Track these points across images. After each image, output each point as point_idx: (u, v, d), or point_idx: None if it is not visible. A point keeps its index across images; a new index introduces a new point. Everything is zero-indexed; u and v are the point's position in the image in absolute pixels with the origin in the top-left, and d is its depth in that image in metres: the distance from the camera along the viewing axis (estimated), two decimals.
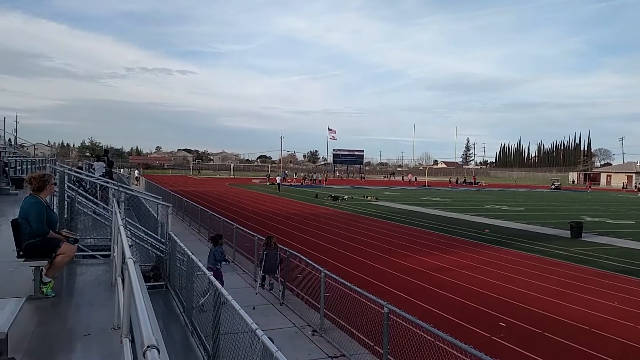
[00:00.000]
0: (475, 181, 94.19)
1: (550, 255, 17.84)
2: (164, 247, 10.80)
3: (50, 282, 5.77)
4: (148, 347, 1.85)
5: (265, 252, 11.31)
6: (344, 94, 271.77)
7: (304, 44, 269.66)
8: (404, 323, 7.65)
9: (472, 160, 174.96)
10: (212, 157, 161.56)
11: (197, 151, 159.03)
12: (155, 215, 11.61)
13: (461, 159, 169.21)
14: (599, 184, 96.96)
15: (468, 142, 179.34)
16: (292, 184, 73.44)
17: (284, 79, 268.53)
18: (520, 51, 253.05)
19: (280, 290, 11.05)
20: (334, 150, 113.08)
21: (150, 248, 10.76)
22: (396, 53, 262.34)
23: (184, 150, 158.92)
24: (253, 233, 14.25)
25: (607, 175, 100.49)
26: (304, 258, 10.89)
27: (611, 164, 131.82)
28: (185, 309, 8.83)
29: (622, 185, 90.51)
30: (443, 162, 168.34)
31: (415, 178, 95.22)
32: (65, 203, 10.46)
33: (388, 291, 12.19)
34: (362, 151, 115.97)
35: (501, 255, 17.72)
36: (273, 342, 3.98)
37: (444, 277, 14.03)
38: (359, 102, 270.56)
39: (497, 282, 13.54)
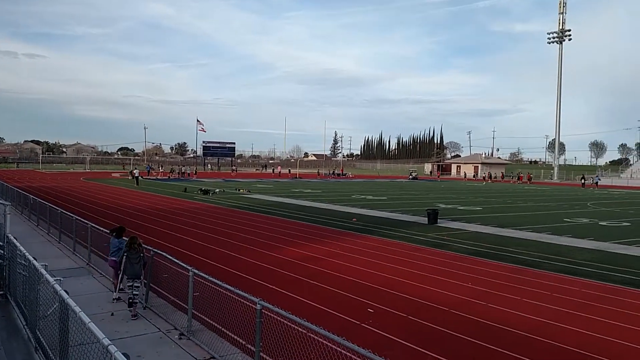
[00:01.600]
0: (342, 173, 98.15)
1: (410, 241, 19.03)
2: (2, 251, 9.38)
3: None
4: None
5: (125, 255, 10.07)
6: (213, 84, 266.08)
7: (171, 31, 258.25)
8: (277, 317, 7.45)
9: (340, 152, 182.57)
10: (65, 150, 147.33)
11: (47, 143, 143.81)
12: None
13: (330, 152, 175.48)
14: (450, 174, 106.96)
15: (336, 135, 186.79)
16: (159, 177, 69.78)
17: (147, 66, 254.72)
18: (382, 50, 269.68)
19: (143, 295, 10.13)
20: (203, 142, 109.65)
21: None
22: (266, 46, 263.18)
23: (32, 141, 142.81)
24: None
25: (457, 166, 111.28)
26: (170, 257, 10.15)
27: (460, 156, 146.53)
28: (28, 321, 7.70)
29: (464, 174, 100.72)
30: (313, 154, 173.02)
31: (289, 170, 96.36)
32: None
33: (259, 285, 11.94)
34: (234, 143, 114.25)
35: (367, 242, 18.47)
36: (129, 358, 3.46)
37: (315, 266, 14.18)
38: (230, 93, 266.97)
39: (364, 268, 14.03)
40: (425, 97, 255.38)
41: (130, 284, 9.86)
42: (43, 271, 6.37)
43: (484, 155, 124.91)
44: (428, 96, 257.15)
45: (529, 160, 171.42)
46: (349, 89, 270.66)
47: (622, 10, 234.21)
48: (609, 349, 8.42)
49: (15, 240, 8.43)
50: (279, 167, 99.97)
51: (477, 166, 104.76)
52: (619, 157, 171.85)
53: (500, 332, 9.17)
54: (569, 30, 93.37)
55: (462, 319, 9.87)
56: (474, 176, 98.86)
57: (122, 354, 3.47)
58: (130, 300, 9.90)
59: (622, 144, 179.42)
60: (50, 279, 5.83)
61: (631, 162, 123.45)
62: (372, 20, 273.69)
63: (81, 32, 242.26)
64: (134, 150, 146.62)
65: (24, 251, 7.75)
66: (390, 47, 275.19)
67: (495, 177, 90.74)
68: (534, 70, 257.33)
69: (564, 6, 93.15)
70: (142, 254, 10.05)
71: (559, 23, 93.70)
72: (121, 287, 10.50)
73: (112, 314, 9.53)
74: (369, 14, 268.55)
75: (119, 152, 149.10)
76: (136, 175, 53.97)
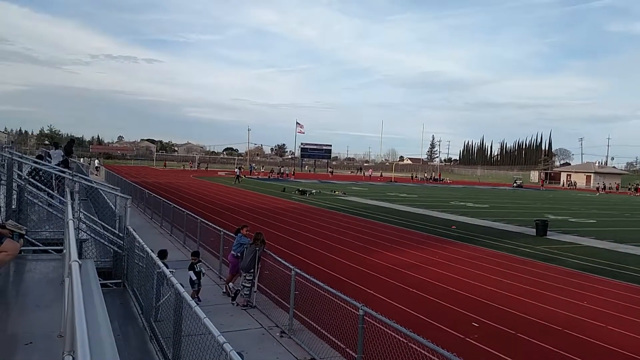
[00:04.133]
0: (440, 178, 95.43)
1: (517, 253, 17.91)
2: (122, 242, 10.13)
3: None
4: None
5: (246, 248, 10.69)
6: (313, 88, 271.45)
7: (275, 37, 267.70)
8: (378, 325, 7.29)
9: (437, 157, 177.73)
10: (176, 148, 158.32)
11: (160, 142, 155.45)
12: (113, 208, 10.88)
13: (426, 156, 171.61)
14: (559, 183, 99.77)
15: (433, 139, 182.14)
16: (260, 177, 72.58)
17: (253, 71, 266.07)
18: (487, 52, 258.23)
19: (247, 293, 10.45)
20: (301, 144, 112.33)
21: (107, 243, 10.07)
22: (366, 50, 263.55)
23: (147, 140, 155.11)
24: (219, 228, 13.63)
25: (567, 175, 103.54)
26: (274, 255, 10.39)
27: (570, 164, 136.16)
28: (143, 310, 8.22)
29: (574, 184, 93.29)
30: (409, 158, 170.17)
31: (381, 173, 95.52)
32: (14, 193, 9.66)
33: (357, 288, 11.84)
34: (330, 146, 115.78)
35: (469, 252, 17.67)
36: (242, 358, 3.50)
37: (414, 274, 13.80)
38: (328, 97, 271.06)
39: (467, 279, 13.39)
40: (533, 101, 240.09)
41: (244, 275, 10.32)
42: (160, 263, 6.75)
43: (597, 164, 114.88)
44: (536, 100, 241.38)
45: None
46: (451, 92, 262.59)
47: None
48: None
49: (134, 233, 9.07)
50: (370, 170, 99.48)
51: (590, 175, 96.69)
52: None
53: (617, 356, 8.25)
54: None
55: (576, 340, 9.04)
56: (597, 188, 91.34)
57: (237, 353, 3.51)
58: (237, 290, 10.34)
59: None
60: (167, 272, 6.15)
61: None
62: (479, 21, 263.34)
63: (193, 39, 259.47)
64: (237, 150, 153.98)
65: (142, 243, 8.30)
66: (497, 49, 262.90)
67: (610, 188, 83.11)
68: None
69: None
70: (257, 249, 10.41)
71: None
72: (232, 284, 10.96)
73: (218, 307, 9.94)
74: (475, 15, 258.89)
75: (224, 152, 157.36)
76: (237, 174, 56.54)
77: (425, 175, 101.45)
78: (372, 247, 17.80)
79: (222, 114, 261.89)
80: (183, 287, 5.62)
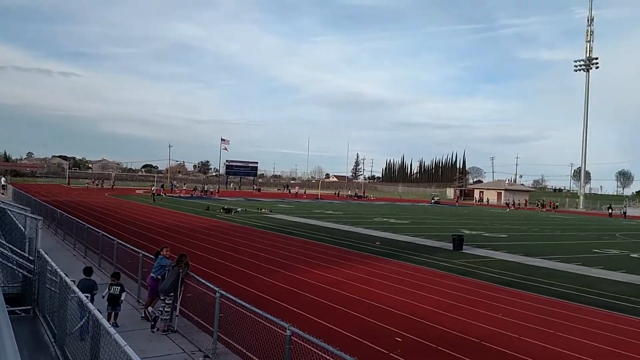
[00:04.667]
0: (364, 195, 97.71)
1: (436, 267, 18.64)
2: (32, 266, 9.42)
3: None
4: None
5: (168, 271, 10.18)
6: (239, 105, 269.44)
7: (200, 52, 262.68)
8: (306, 344, 7.25)
9: (362, 174, 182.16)
10: (90, 165, 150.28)
11: (73, 158, 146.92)
12: (23, 229, 10.11)
13: (351, 173, 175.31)
14: (473, 200, 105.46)
15: (358, 157, 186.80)
16: (182, 195, 70.44)
17: (175, 86, 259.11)
18: (408, 74, 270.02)
19: (167, 318, 9.98)
20: (227, 161, 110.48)
21: (15, 267, 9.31)
22: (293, 68, 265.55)
23: (59, 157, 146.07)
24: (137, 249, 13.01)
25: (480, 192, 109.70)
26: (197, 277, 10.07)
27: (482, 181, 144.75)
28: (56, 337, 7.65)
29: (487, 200, 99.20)
30: (335, 175, 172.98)
31: (305, 191, 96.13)
32: None
33: (284, 308, 11.75)
34: (257, 163, 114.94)
35: (392, 267, 18.15)
36: None
37: (340, 291, 13.93)
38: (254, 113, 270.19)
39: (391, 294, 13.72)
40: (449, 122, 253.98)
41: (163, 298, 9.85)
42: (76, 289, 6.33)
43: (507, 182, 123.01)
44: (453, 121, 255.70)
45: (553, 188, 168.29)
46: (374, 112, 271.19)
47: None
48: None
49: (46, 255, 8.46)
50: (297, 187, 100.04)
51: (500, 192, 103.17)
52: None
53: None
54: (596, 59, 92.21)
55: (493, 352, 9.50)
56: (506, 204, 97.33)
57: None
58: (156, 316, 9.86)
59: None
60: (83, 297, 5.77)
61: None
62: (399, 45, 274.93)
63: (114, 52, 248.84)
64: (157, 167, 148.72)
65: (55, 267, 7.76)
66: (417, 72, 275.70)
67: (519, 204, 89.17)
68: (560, 98, 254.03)
69: (591, 35, 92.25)
70: (181, 272, 9.99)
71: (586, 51, 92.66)
72: (151, 308, 10.43)
73: (137, 332, 9.44)
74: (396, 39, 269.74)
75: (142, 169, 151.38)
76: (153, 191, 54.70)
77: (350, 192, 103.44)
78: (299, 265, 17.79)
79: (143, 130, 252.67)
80: (100, 312, 5.30)
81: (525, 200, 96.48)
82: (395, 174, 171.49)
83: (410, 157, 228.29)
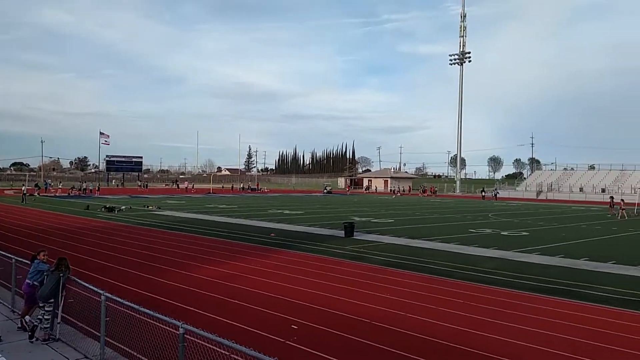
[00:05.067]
0: (258, 187, 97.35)
1: (329, 254, 19.18)
2: None
3: None
4: None
5: (46, 276, 9.29)
6: (120, 96, 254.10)
7: (72, 40, 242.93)
8: (200, 341, 7.08)
9: (255, 167, 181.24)
10: None
11: None
12: None
13: (244, 166, 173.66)
14: (362, 188, 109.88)
15: (250, 149, 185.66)
16: (57, 194, 64.81)
17: (47, 77, 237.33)
18: (297, 66, 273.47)
19: (47, 326, 9.17)
20: (107, 156, 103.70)
21: None
22: (178, 58, 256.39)
23: None
24: (9, 255, 11.76)
25: (368, 180, 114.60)
26: (79, 281, 9.35)
27: (371, 170, 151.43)
28: None
29: (375, 188, 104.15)
30: (227, 169, 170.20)
31: (193, 185, 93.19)
32: None
33: (178, 307, 11.35)
34: (141, 157, 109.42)
35: (287, 257, 18.34)
36: None
37: (235, 285, 13.78)
38: (138, 105, 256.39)
39: (285, 284, 13.87)
40: (338, 114, 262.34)
41: (42, 305, 9.03)
42: None
43: (392, 170, 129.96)
44: (342, 113, 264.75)
45: (433, 174, 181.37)
46: (265, 104, 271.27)
47: (515, 35, 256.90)
48: (520, 352, 8.95)
49: None
50: (186, 182, 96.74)
51: (387, 180, 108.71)
52: (514, 171, 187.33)
53: (420, 342, 9.42)
54: (469, 53, 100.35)
55: (384, 330, 10.03)
56: (390, 190, 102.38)
57: None
58: (35, 325, 9.03)
59: (516, 159, 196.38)
60: None
61: (525, 176, 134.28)
62: (287, 37, 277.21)
63: None
64: (29, 165, 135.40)
65: None
66: (305, 64, 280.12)
67: (404, 191, 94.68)
68: (438, 90, 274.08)
69: (464, 30, 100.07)
70: (61, 276, 9.18)
71: (460, 45, 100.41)
72: (29, 317, 9.48)
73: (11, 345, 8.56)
74: (283, 30, 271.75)
75: (12, 168, 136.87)
76: (24, 191, 49.86)
77: (243, 185, 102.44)
78: (192, 262, 17.28)
79: (10, 125, 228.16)
80: None
81: (409, 186, 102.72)
82: (288, 166, 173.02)
83: (303, 148, 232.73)
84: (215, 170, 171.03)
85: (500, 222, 35.08)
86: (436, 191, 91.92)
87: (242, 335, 9.27)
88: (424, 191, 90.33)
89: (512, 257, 19.38)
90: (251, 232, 26.09)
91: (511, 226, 32.41)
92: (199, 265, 16.50)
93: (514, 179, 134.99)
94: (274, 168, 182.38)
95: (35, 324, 9.16)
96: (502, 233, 28.15)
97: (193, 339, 6.98)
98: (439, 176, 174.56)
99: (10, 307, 11.02)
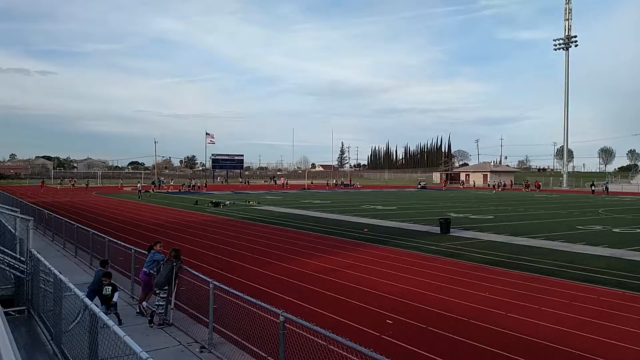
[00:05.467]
0: (350, 183, 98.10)
1: (424, 250, 18.98)
2: (25, 266, 9.49)
3: None
4: None
5: (162, 265, 10.33)
6: (222, 98, 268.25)
7: (179, 46, 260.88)
8: (299, 330, 7.47)
9: (347, 163, 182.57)
10: (75, 165, 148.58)
11: (58, 158, 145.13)
12: (13, 231, 10.15)
13: (337, 162, 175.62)
14: (459, 183, 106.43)
15: (343, 145, 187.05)
16: (170, 190, 70.17)
17: (157, 81, 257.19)
18: (389, 60, 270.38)
19: (162, 312, 10.13)
20: (212, 155, 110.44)
21: (7, 268, 9.37)
22: (273, 58, 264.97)
23: (43, 157, 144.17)
24: (129, 246, 13.12)
25: (466, 175, 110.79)
26: (190, 270, 10.23)
27: (468, 164, 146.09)
28: (53, 336, 7.77)
29: (473, 183, 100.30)
30: (320, 165, 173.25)
31: (287, 182, 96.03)
32: None
33: (277, 297, 11.96)
34: (242, 155, 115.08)
35: (381, 253, 18.45)
36: None
37: (331, 278, 14.18)
38: (238, 106, 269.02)
39: (380, 279, 14.01)
40: (433, 106, 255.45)
41: (157, 292, 10.00)
42: (71, 285, 6.46)
43: (492, 164, 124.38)
44: (436, 105, 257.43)
45: (537, 167, 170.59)
46: (357, 99, 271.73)
47: (627, 16, 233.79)
48: (629, 358, 8.34)
49: (38, 255, 8.55)
50: (282, 179, 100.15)
51: (486, 174, 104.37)
52: (628, 163, 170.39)
53: (521, 342, 9.11)
54: (575, 37, 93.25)
55: (482, 329, 9.83)
56: (489, 185, 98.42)
57: None
58: (153, 311, 10.00)
59: (630, 150, 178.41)
60: (80, 293, 5.91)
61: None
62: (378, 30, 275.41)
63: (91, 49, 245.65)
64: (144, 164, 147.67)
65: (49, 265, 7.86)
66: (397, 56, 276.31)
67: (505, 186, 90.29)
68: (541, 77, 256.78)
69: (569, 13, 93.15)
70: (174, 266, 10.13)
71: (565, 29, 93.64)
72: (145, 302, 10.57)
73: (134, 327, 9.58)
74: (373, 24, 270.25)
75: (129, 167, 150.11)
76: (139, 188, 54.82)
77: (335, 181, 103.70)
78: (290, 255, 18.00)
79: (126, 127, 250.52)
80: (98, 307, 5.44)
81: (511, 181, 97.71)
82: (380, 161, 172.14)
83: (395, 143, 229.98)
84: (310, 166, 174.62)
85: (612, 219, 32.36)
86: (540, 185, 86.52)
87: (338, 327, 9.58)
88: (527, 186, 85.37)
89: (624, 256, 17.89)
90: (345, 227, 26.50)
91: (624, 223, 29.79)
92: (295, 258, 17.16)
93: (628, 171, 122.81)
94: (366, 163, 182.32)
95: (153, 309, 10.17)
96: (613, 230, 26.00)
97: (292, 327, 7.38)
98: (544, 169, 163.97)
99: (130, 293, 12.30)
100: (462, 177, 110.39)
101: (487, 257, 17.58)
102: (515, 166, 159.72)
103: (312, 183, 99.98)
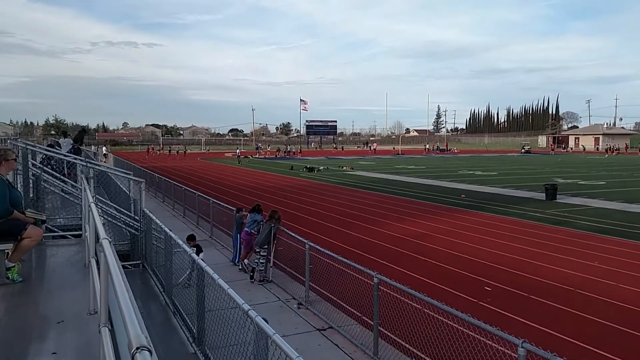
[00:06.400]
0: (447, 148, 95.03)
1: (527, 217, 18.01)
2: (138, 224, 10.33)
3: (14, 266, 5.30)
4: (137, 348, 1.52)
5: (262, 225, 10.88)
6: (315, 64, 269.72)
7: (274, 13, 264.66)
8: (392, 292, 7.48)
9: (444, 127, 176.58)
10: (181, 132, 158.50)
11: (165, 126, 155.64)
12: (127, 192, 11.08)
13: (432, 127, 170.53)
14: (568, 147, 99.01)
15: (439, 109, 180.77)
16: (267, 156, 72.72)
17: (253, 50, 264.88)
18: (491, 16, 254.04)
19: (262, 269, 10.65)
20: (306, 121, 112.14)
21: (123, 226, 10.28)
22: (367, 21, 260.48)
23: (152, 125, 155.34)
24: (231, 207, 13.84)
25: (575, 138, 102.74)
26: (287, 231, 10.59)
27: (578, 127, 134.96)
28: (165, 288, 8.46)
29: (583, 147, 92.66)
30: (415, 130, 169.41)
31: (374, 148, 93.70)
32: (30, 182, 9.86)
33: (371, 260, 12.04)
34: (335, 121, 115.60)
35: (479, 219, 17.80)
36: (268, 323, 3.67)
37: (426, 243, 13.98)
38: (331, 72, 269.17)
39: (477, 246, 13.55)
40: (539, 65, 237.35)
41: (258, 250, 10.54)
42: (180, 242, 6.96)
43: (605, 126, 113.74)
44: (542, 64, 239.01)
45: None
46: (455, 60, 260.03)
47: None
48: None
49: (151, 215, 9.28)
50: (375, 144, 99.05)
51: (598, 138, 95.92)
52: None
53: (632, 313, 8.42)
54: None
55: (588, 299, 9.22)
56: (597, 149, 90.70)
57: (262, 318, 3.68)
58: (253, 267, 10.57)
59: None
60: (188, 249, 6.36)
61: None
62: None
63: (192, 20, 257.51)
64: (242, 131, 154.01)
65: (160, 224, 8.51)
66: (500, 12, 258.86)
67: (619, 150, 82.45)
68: None
69: None
70: (272, 226, 10.59)
71: None
72: (247, 260, 11.18)
73: (236, 282, 10.17)
74: None
75: (229, 134, 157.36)
76: (238, 154, 57.60)
77: (429, 146, 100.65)
78: (383, 219, 17.98)
79: (225, 95, 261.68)
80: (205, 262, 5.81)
81: (626, 144, 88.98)
82: (480, 125, 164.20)
83: (497, 105, 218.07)
84: (404, 131, 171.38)
85: None
86: None
87: (433, 291, 9.45)
88: None
89: None
90: (440, 192, 25.84)
91: None
92: (390, 223, 17.09)
93: None
94: (464, 127, 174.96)
95: (254, 266, 10.72)
96: None
97: (386, 289, 7.40)
98: None
99: (232, 251, 13.03)
100: (571, 140, 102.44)
101: (597, 225, 16.31)
102: (632, 128, 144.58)
103: (425, 149, 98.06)
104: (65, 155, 12.13)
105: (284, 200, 23.22)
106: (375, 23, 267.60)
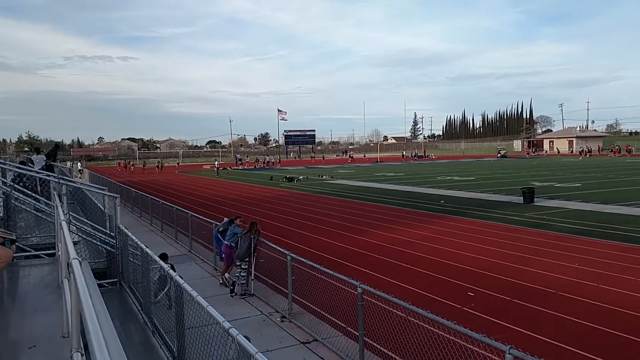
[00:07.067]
0: (425, 154, 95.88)
1: (506, 221, 18.16)
2: (114, 241, 10.07)
3: None
4: None
5: (241, 238, 10.68)
6: (292, 74, 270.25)
7: (250, 25, 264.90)
8: (377, 302, 7.39)
9: (421, 134, 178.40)
10: (158, 145, 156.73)
11: (142, 140, 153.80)
12: (102, 208, 10.80)
13: (410, 134, 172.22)
14: (542, 150, 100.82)
15: (415, 116, 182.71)
16: (246, 167, 72.28)
17: (230, 61, 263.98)
18: (464, 24, 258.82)
19: (243, 282, 10.47)
20: (285, 131, 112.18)
21: (99, 244, 10.01)
22: (343, 31, 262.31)
23: (128, 139, 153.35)
24: (210, 220, 13.61)
25: (550, 141, 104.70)
26: (268, 243, 10.44)
27: (552, 130, 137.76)
28: (143, 306, 8.22)
29: (557, 150, 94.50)
30: (393, 137, 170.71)
31: (352, 155, 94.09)
32: (0, 200, 9.54)
33: (354, 269, 11.95)
34: (314, 131, 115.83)
35: (459, 224, 17.88)
36: (250, 341, 3.54)
37: (409, 250, 13.95)
38: (308, 81, 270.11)
39: (459, 251, 13.58)
40: (512, 71, 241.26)
41: (239, 264, 10.34)
42: (156, 258, 6.76)
43: (578, 129, 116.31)
44: (515, 69, 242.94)
45: (629, 131, 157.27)
46: (430, 67, 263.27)
47: None
48: None
49: (126, 231, 9.03)
50: (352, 152, 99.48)
51: (572, 140, 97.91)
52: None
53: (613, 314, 8.49)
54: None
55: (570, 301, 9.27)
56: (571, 151, 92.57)
57: (243, 336, 3.55)
58: (234, 281, 10.36)
59: None
60: (165, 266, 6.16)
61: None
62: None
63: (167, 33, 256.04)
64: (221, 142, 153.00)
65: (136, 240, 8.27)
66: (473, 20, 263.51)
67: (591, 152, 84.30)
68: (631, 35, 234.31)
69: None
70: (252, 238, 10.40)
71: None
72: (228, 274, 10.96)
73: (216, 297, 9.96)
74: None
75: (207, 145, 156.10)
76: (217, 166, 57.72)
77: (405, 153, 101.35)
78: (365, 227, 17.93)
79: (203, 107, 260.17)
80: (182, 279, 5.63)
81: (599, 146, 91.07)
82: (456, 131, 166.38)
83: (472, 111, 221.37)
84: (382, 139, 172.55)
85: None
86: (632, 150, 79.97)
87: (417, 299, 9.41)
88: (617, 151, 79.23)
89: None
90: (420, 199, 25.95)
91: None
92: (371, 231, 17.05)
93: None
94: (441, 134, 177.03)
95: (234, 280, 10.52)
96: None
97: (370, 299, 7.31)
98: (636, 133, 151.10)
99: (213, 265, 12.81)
100: (546, 144, 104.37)
101: (574, 227, 16.52)
102: (604, 131, 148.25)
103: (402, 156, 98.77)
104: (37, 172, 11.80)
105: (264, 211, 23.02)
106: (350, 32, 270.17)
